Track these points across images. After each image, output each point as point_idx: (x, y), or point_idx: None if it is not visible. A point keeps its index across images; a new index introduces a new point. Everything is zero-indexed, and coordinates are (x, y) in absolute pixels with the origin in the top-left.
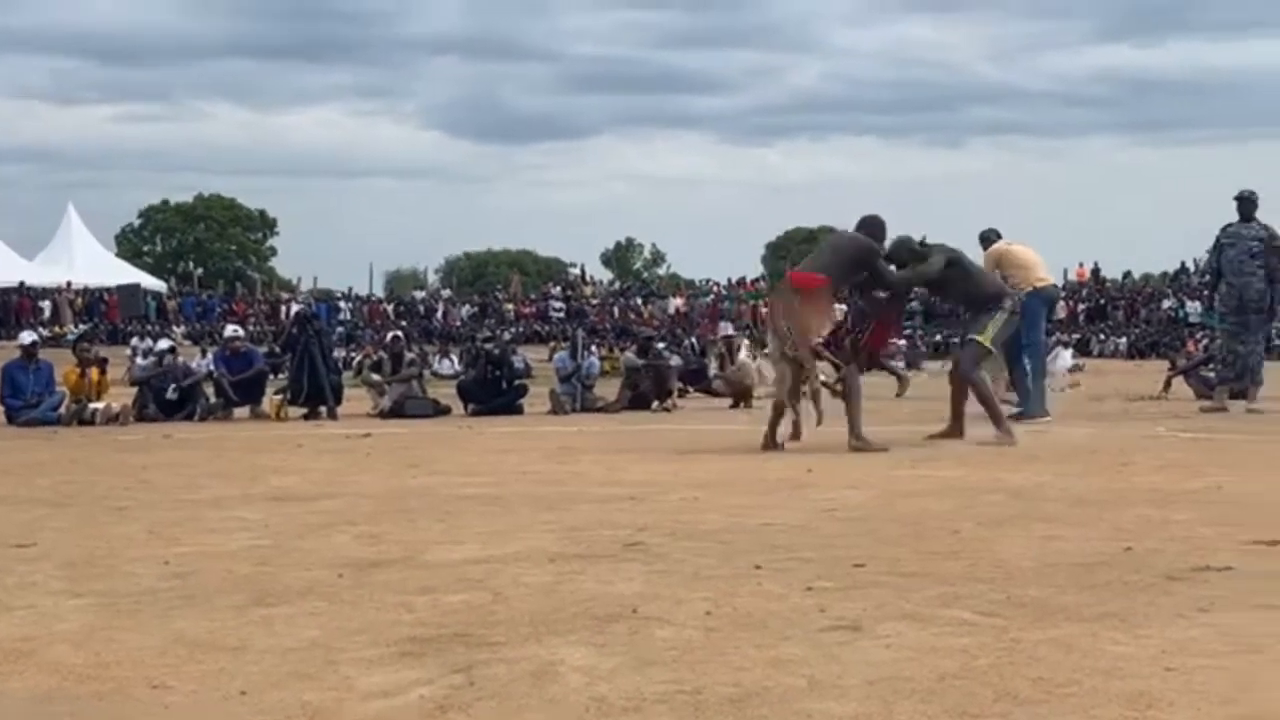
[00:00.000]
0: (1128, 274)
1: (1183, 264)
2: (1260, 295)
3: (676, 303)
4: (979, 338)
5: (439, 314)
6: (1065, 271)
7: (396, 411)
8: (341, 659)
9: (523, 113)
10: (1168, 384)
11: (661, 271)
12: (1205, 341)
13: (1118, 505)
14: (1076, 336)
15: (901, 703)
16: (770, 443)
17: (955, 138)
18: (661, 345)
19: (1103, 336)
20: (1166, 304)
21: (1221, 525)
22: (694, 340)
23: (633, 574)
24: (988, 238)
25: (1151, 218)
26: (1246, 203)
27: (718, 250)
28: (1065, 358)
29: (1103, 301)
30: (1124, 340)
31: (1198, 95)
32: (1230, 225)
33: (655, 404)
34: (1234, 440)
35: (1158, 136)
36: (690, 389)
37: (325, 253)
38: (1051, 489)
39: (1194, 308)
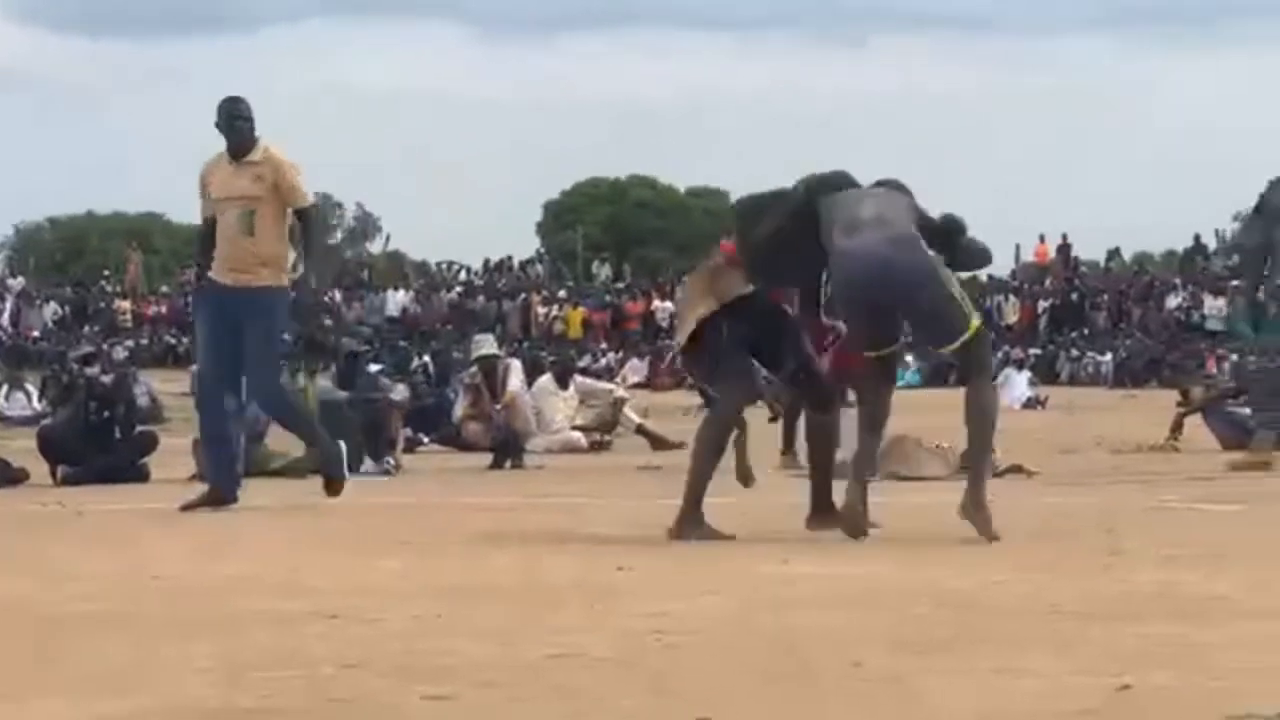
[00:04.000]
0: None
1: None
2: None
3: (401, 298)
4: None
5: (4, 318)
6: None
7: None
8: None
9: None
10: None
11: (376, 248)
12: None
13: None
14: None
15: None
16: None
17: None
18: (377, 368)
19: None
20: None
21: None
22: (429, 361)
23: None
24: None
25: None
26: None
27: (465, 217)
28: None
29: None
30: None
31: None
32: None
33: (368, 463)
34: None
35: None
36: (425, 438)
37: None
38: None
39: None
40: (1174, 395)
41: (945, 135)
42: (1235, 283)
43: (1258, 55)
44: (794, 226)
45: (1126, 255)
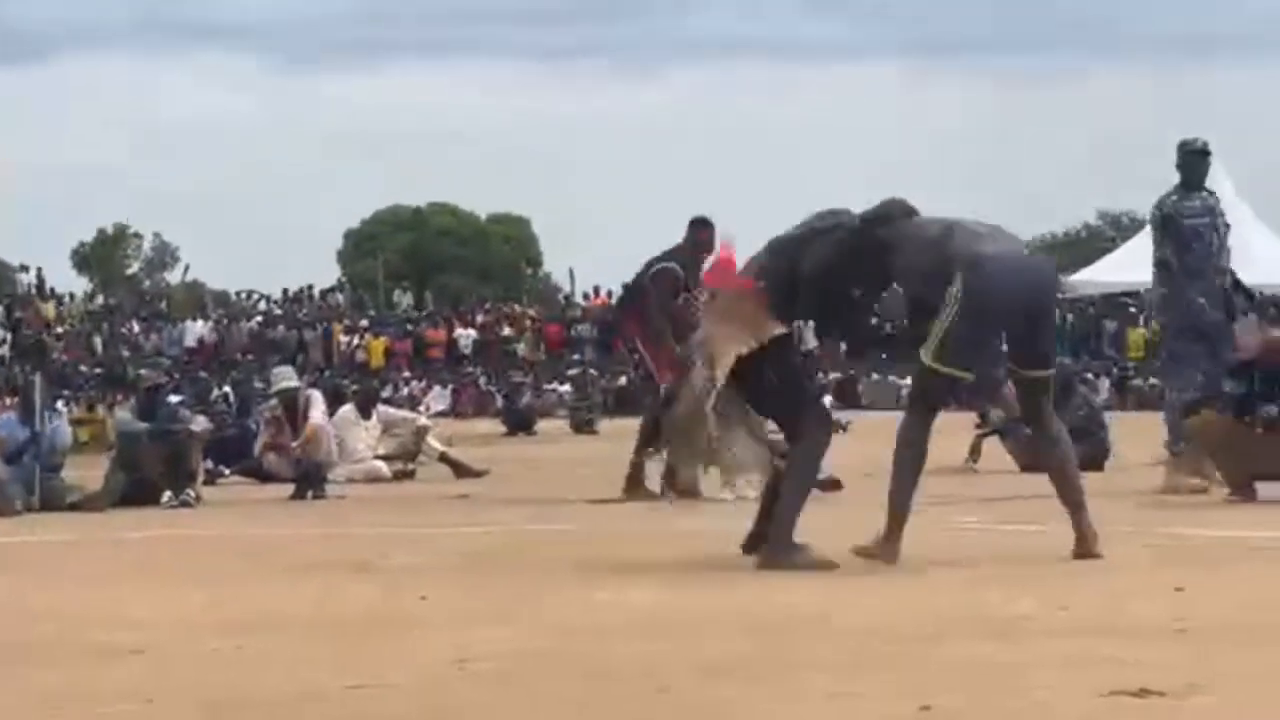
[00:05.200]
0: None
1: None
2: None
3: (200, 328)
4: (925, 358)
5: None
6: None
7: None
8: None
9: None
10: None
11: (175, 278)
12: None
13: None
14: None
15: None
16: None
17: None
18: (177, 400)
19: None
20: None
21: None
22: (230, 391)
23: None
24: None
25: None
26: None
27: (264, 246)
28: None
29: None
30: None
31: None
32: None
33: (168, 495)
34: None
35: None
36: (226, 470)
37: None
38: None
39: None
40: (972, 417)
41: (748, 161)
42: None
43: (1051, 83)
44: (845, 263)
45: None
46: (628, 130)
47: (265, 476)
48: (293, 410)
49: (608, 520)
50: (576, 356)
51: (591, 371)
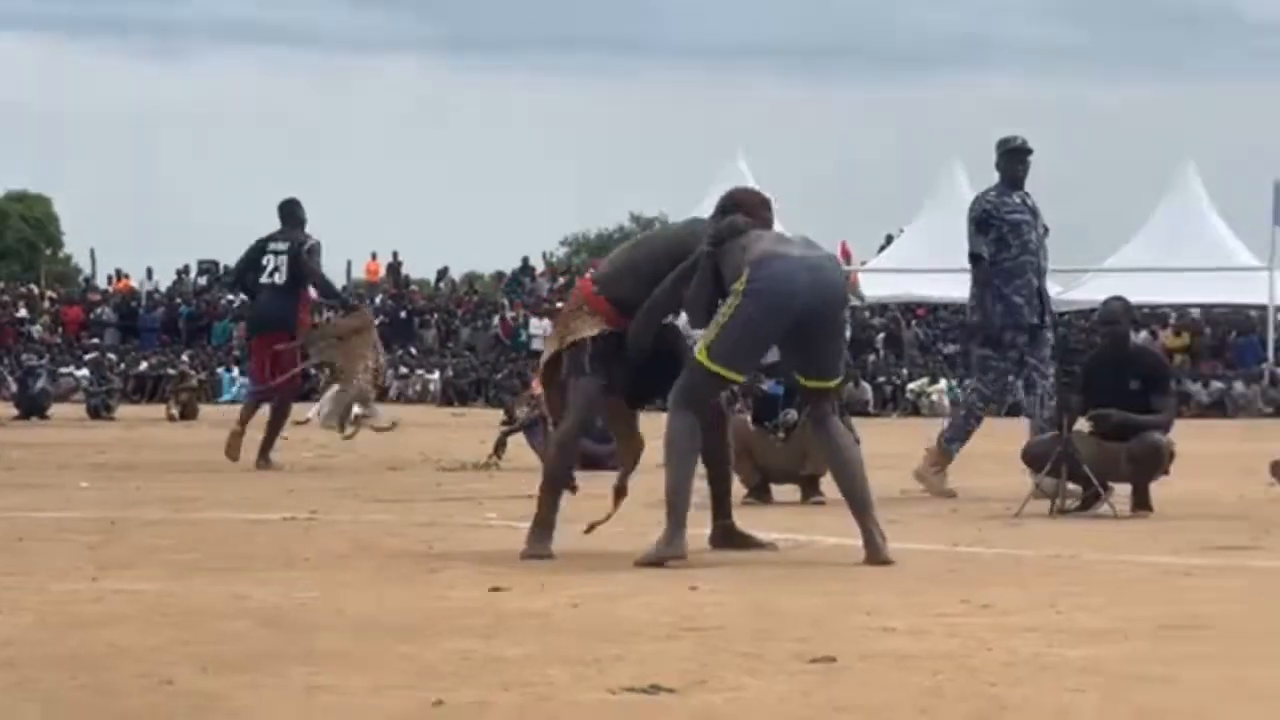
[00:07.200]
0: None
1: None
2: None
3: None
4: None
5: None
6: None
7: None
8: None
9: None
10: None
11: None
12: None
13: None
14: None
15: None
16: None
17: None
18: None
19: None
20: None
21: None
22: None
23: None
24: None
25: None
26: None
27: None
28: None
29: None
30: None
31: None
32: None
33: None
34: None
35: None
36: None
37: None
38: None
39: None
40: (499, 414)
41: (273, 149)
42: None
43: (600, 81)
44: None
45: (456, 275)
46: (146, 112)
47: None
48: None
49: (125, 507)
50: (95, 340)
51: (110, 356)
